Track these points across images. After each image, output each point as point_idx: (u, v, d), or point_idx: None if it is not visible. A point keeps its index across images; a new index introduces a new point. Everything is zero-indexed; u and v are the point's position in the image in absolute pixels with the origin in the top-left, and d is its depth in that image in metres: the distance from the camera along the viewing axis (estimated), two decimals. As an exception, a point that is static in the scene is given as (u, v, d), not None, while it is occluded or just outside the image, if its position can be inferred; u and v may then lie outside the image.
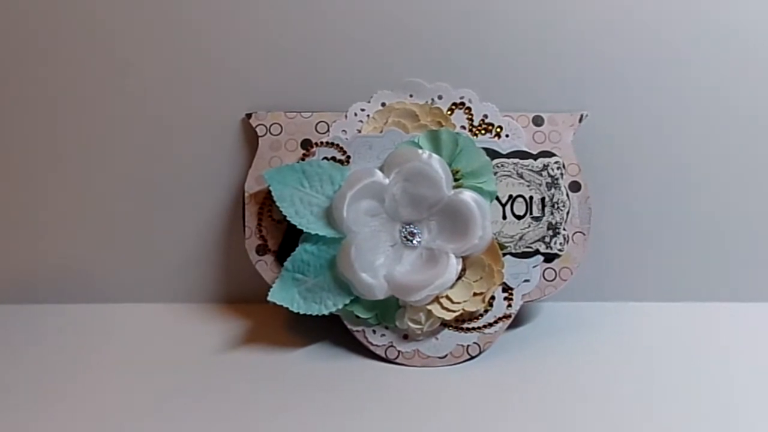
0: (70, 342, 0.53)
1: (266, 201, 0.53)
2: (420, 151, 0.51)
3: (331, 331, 0.53)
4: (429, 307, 0.50)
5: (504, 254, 0.52)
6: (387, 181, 0.51)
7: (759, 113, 0.57)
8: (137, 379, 0.48)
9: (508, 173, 0.53)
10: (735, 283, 0.59)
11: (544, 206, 0.53)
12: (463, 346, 0.51)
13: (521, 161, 0.53)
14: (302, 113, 0.54)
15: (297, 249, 0.51)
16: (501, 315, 0.52)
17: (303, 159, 0.53)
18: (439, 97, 0.54)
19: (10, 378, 0.49)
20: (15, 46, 0.56)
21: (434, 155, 0.51)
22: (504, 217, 0.53)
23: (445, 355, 0.51)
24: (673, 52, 0.56)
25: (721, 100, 0.57)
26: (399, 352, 0.51)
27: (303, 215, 0.51)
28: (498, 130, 0.54)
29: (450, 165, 0.51)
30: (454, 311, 0.50)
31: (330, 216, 0.51)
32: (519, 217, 0.53)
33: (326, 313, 0.50)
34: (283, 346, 0.52)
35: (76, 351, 0.52)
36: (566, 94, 0.56)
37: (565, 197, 0.53)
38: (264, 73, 0.56)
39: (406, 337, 0.51)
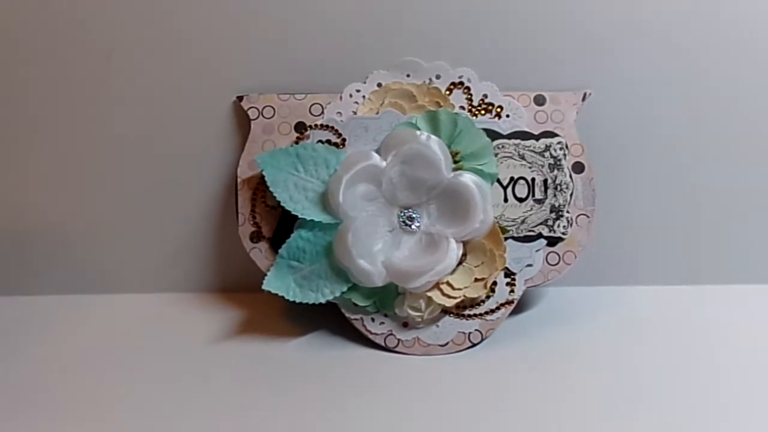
0: (64, 333, 0.53)
1: (259, 186, 0.52)
2: (418, 132, 0.50)
3: (329, 320, 0.52)
4: (429, 293, 0.50)
5: (506, 238, 0.51)
6: (384, 164, 0.50)
7: (765, 92, 0.56)
8: (132, 369, 0.48)
9: (509, 154, 0.52)
10: (740, 265, 0.58)
11: (546, 188, 0.52)
12: (464, 333, 0.50)
13: (523, 142, 0.52)
14: (295, 95, 0.53)
15: (292, 235, 0.50)
16: (503, 301, 0.51)
17: (297, 142, 0.52)
18: (437, 77, 0.53)
19: (6, 369, 0.48)
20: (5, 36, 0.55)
21: (433, 137, 0.50)
22: (505, 200, 0.52)
23: (447, 343, 0.50)
24: (676, 29, 0.55)
25: (727, 76, 0.55)
26: (399, 340, 0.50)
27: (298, 201, 0.50)
28: (498, 110, 0.53)
29: (449, 147, 0.51)
30: (455, 298, 0.50)
31: (326, 201, 0.50)
32: (521, 200, 0.52)
33: (323, 301, 0.50)
34: (280, 335, 0.52)
35: (69, 342, 0.52)
36: (569, 72, 0.55)
37: (568, 179, 0.52)
38: (255, 54, 0.55)
39: (405, 324, 0.51)
